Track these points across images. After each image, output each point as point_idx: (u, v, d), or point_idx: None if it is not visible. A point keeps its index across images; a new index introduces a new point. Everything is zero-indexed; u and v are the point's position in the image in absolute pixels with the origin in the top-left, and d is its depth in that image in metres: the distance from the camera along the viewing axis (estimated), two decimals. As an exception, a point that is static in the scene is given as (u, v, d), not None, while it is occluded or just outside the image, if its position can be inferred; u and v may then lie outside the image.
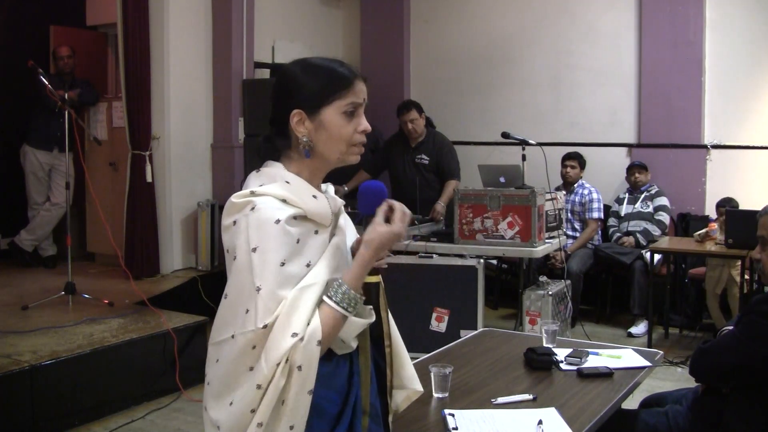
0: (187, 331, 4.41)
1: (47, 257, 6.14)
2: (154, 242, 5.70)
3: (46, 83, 4.72)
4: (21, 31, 6.54)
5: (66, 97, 4.96)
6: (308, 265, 1.54)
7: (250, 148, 5.67)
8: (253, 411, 1.48)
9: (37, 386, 3.58)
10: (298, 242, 1.53)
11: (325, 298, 1.53)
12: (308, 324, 1.47)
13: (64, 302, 4.70)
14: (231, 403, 1.52)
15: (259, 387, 1.47)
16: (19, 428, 3.52)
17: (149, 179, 5.56)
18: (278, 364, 1.45)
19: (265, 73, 6.37)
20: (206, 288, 5.41)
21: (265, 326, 1.46)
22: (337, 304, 1.52)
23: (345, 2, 7.50)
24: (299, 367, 1.46)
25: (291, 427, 1.48)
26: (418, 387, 1.84)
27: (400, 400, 1.83)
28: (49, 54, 6.21)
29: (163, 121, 5.75)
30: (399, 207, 1.61)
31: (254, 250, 1.49)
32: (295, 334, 1.45)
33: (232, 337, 1.51)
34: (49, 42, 6.37)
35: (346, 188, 5.80)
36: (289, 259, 1.51)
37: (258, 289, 1.47)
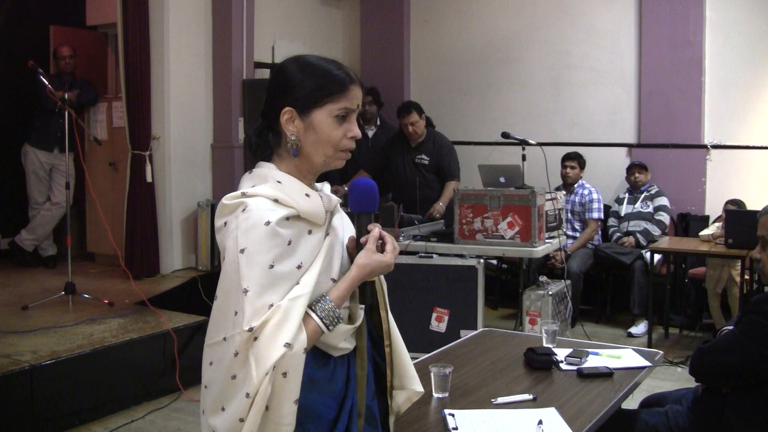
0: (187, 331, 4.41)
1: (47, 257, 6.14)
2: (154, 242, 5.70)
3: (46, 83, 4.72)
4: (21, 31, 6.54)
5: (66, 97, 4.96)
6: (299, 267, 1.53)
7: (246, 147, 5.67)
8: (242, 420, 1.47)
9: (37, 386, 3.58)
10: (289, 244, 1.52)
11: (309, 310, 1.52)
12: (297, 334, 1.47)
13: (64, 302, 4.71)
14: (223, 409, 1.51)
15: (248, 396, 1.45)
16: (19, 428, 3.52)
17: (149, 179, 5.56)
18: (267, 374, 1.44)
19: (265, 73, 6.36)
20: (206, 288, 5.41)
21: (251, 329, 1.45)
22: (321, 319, 1.53)
23: (345, 2, 7.50)
24: (284, 374, 1.45)
25: None
26: (419, 387, 1.82)
27: (401, 401, 1.82)
28: (50, 54, 6.21)
29: (163, 121, 5.75)
30: (390, 240, 1.65)
31: (242, 251, 1.48)
32: (288, 344, 1.44)
33: (224, 339, 1.51)
34: (49, 42, 6.37)
35: (346, 188, 5.80)
36: (279, 261, 1.50)
37: (245, 291, 1.46)
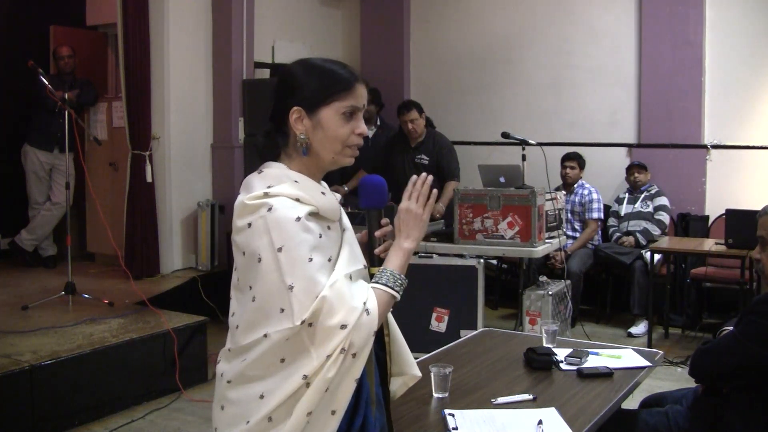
0: (187, 331, 4.41)
1: (47, 257, 6.13)
2: (154, 242, 5.69)
3: (46, 83, 4.72)
4: (21, 31, 6.54)
5: (66, 97, 4.96)
6: (330, 260, 1.58)
7: (250, 148, 5.67)
8: (297, 401, 1.51)
9: (37, 386, 3.58)
10: (320, 237, 1.56)
11: (373, 284, 1.61)
12: (359, 310, 1.52)
13: (64, 302, 4.70)
14: (261, 396, 1.54)
15: (305, 377, 1.50)
16: (19, 428, 3.52)
17: (149, 179, 5.55)
18: (329, 356, 1.49)
19: (265, 73, 6.36)
20: (206, 288, 5.41)
21: (302, 322, 1.49)
22: (384, 285, 1.63)
23: (345, 2, 7.50)
24: (353, 355, 1.51)
25: (333, 412, 1.54)
26: (417, 372, 1.88)
27: (397, 386, 1.87)
28: (50, 54, 6.21)
29: (163, 121, 5.75)
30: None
31: (280, 249, 1.51)
32: (343, 326, 1.49)
33: (265, 336, 1.53)
34: (49, 42, 6.36)
35: (346, 188, 5.81)
36: (315, 253, 1.54)
37: (291, 288, 1.50)
